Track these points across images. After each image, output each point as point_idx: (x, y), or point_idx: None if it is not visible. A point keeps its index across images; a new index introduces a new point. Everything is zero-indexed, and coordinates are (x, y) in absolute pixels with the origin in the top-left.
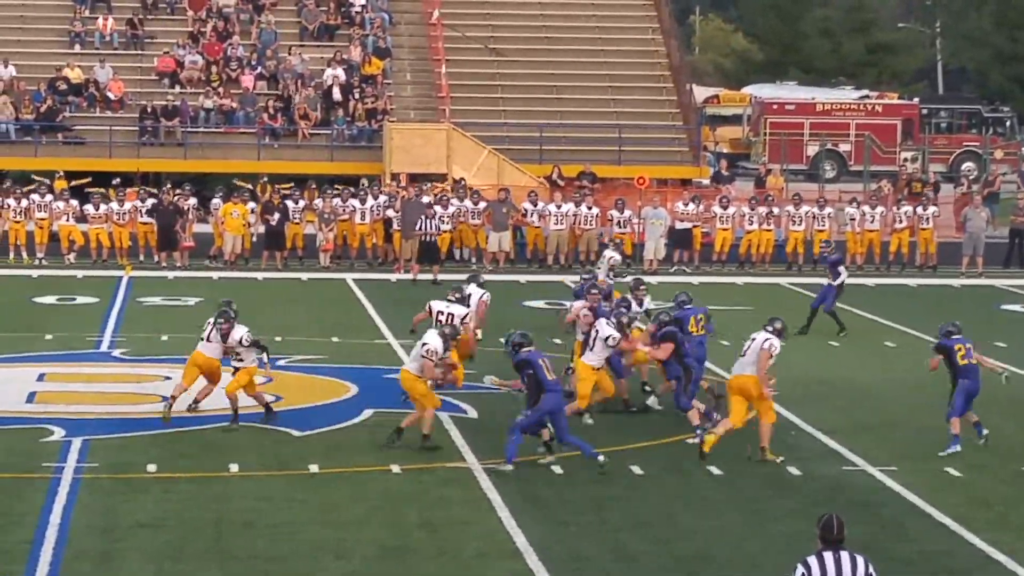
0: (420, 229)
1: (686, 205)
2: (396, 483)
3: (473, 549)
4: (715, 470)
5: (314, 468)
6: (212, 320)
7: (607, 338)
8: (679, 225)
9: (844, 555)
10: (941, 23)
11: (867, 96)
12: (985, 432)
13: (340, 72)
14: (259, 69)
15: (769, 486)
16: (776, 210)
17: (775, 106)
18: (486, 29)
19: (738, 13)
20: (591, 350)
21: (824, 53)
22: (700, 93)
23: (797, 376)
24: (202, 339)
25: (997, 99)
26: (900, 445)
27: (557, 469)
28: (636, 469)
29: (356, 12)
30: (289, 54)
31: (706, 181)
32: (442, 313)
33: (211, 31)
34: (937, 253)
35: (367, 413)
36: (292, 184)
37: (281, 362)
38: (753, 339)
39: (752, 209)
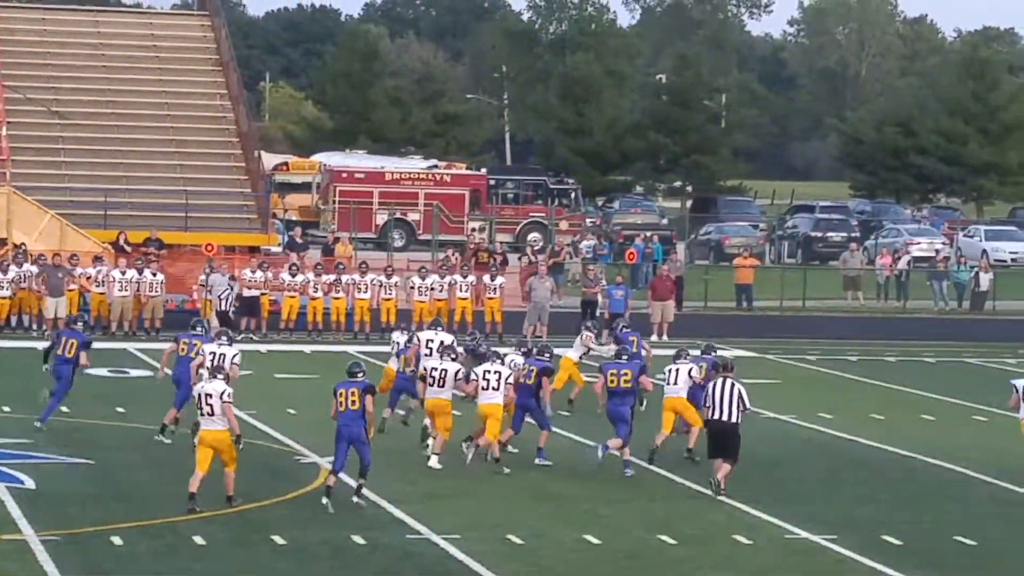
0: None
1: (253, 272)
2: None
3: None
4: (279, 539)
5: None
6: None
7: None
8: (246, 292)
9: None
10: (508, 95)
11: (436, 166)
12: None
13: None
14: None
15: (336, 556)
16: (344, 278)
17: (344, 174)
18: (49, 92)
19: (308, 81)
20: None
21: (393, 122)
22: (269, 160)
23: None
24: None
25: (562, 171)
26: (465, 513)
27: (117, 540)
28: (199, 539)
29: None
30: None
31: (275, 248)
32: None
33: None
34: (503, 322)
35: None
36: None
37: None
38: (678, 369)
39: (318, 276)
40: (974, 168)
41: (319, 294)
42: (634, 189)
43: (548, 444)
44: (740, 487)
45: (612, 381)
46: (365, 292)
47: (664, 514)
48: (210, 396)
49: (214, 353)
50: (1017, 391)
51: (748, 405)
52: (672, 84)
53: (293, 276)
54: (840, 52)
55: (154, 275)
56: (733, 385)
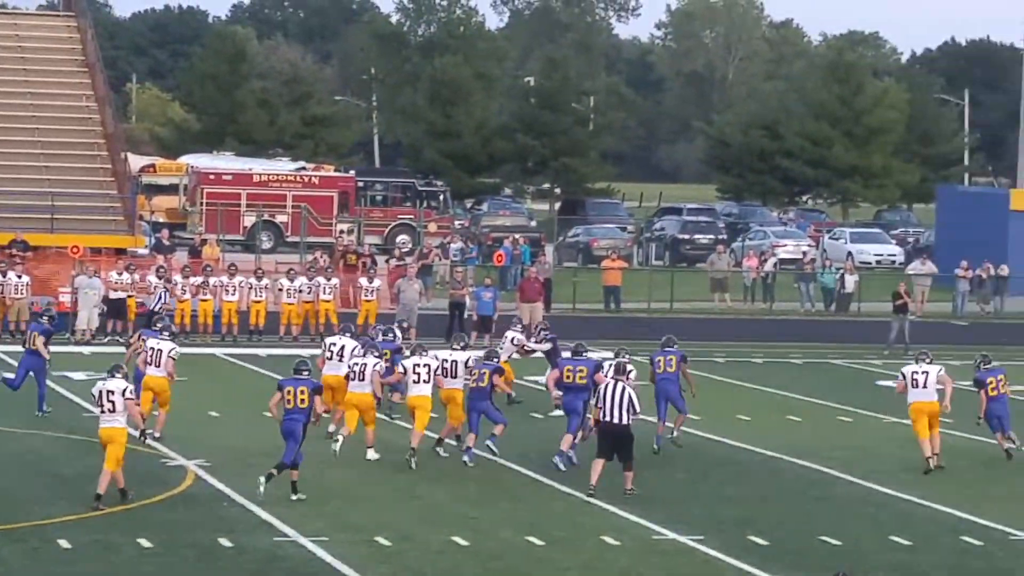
0: None
1: (120, 275)
2: None
3: None
4: (146, 543)
5: None
6: None
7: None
8: (112, 295)
9: None
10: (377, 97)
11: (304, 168)
12: None
13: None
14: None
15: (201, 559)
16: (212, 280)
17: (212, 176)
18: None
19: (175, 82)
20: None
21: (261, 124)
22: (136, 162)
23: (233, 447)
24: None
25: (431, 173)
26: (333, 516)
27: None
28: (64, 543)
29: None
30: None
31: (142, 250)
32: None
33: None
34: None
35: None
36: None
37: None
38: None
39: (185, 279)
40: (839, 171)
41: (187, 296)
42: (502, 191)
43: (418, 447)
44: (607, 489)
45: (568, 377)
46: (233, 294)
47: (532, 516)
48: (111, 393)
49: (152, 348)
50: (903, 376)
51: (638, 409)
52: (540, 87)
53: (160, 278)
54: (707, 55)
55: (19, 277)
56: (624, 388)
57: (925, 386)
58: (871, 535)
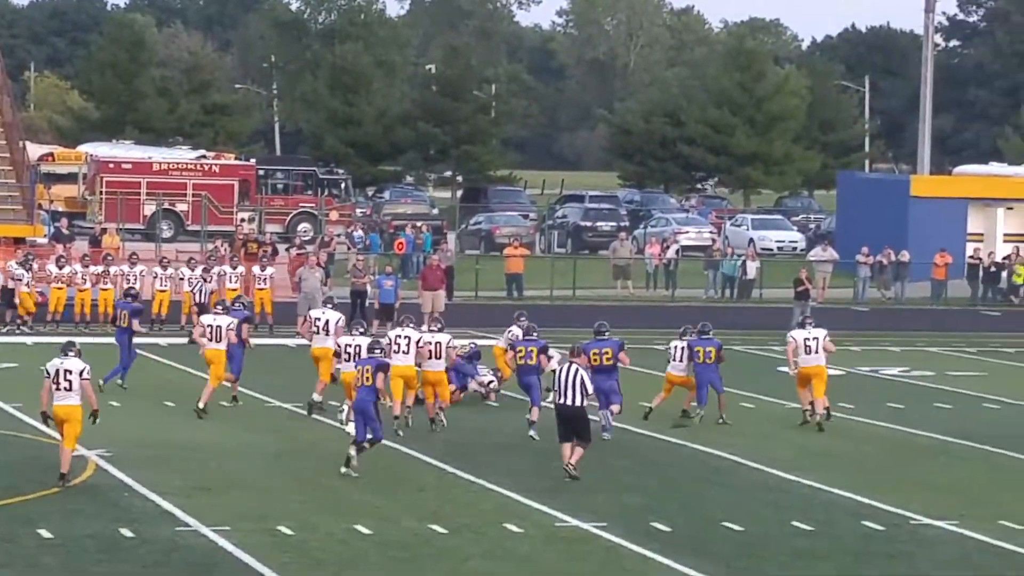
0: None
1: (19, 265)
2: None
3: None
4: (45, 533)
5: None
6: None
7: None
8: (10, 284)
9: None
10: (278, 85)
11: (204, 156)
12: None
13: None
14: None
15: (102, 550)
16: (112, 269)
17: (111, 165)
18: None
19: (74, 70)
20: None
21: (161, 113)
22: (34, 150)
23: (132, 438)
24: None
25: (332, 161)
26: (235, 505)
27: None
28: None
29: None
30: None
31: (41, 240)
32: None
33: None
34: (273, 313)
35: None
36: None
37: None
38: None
39: (85, 268)
40: (741, 158)
41: (87, 285)
42: (404, 179)
43: (319, 437)
44: (508, 475)
45: (595, 360)
46: (135, 283)
47: (435, 504)
48: (69, 372)
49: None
50: (794, 341)
51: (590, 391)
52: (441, 74)
53: (60, 268)
54: (608, 43)
55: None
56: (577, 370)
57: (817, 351)
58: (773, 521)
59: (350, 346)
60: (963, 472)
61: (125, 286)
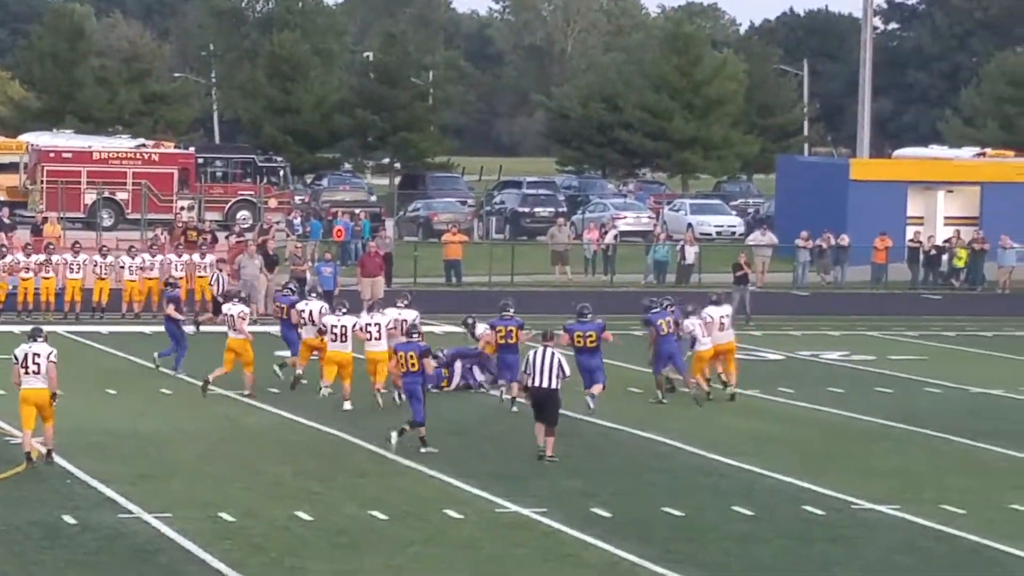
0: None
1: None
2: None
3: None
4: None
5: None
6: None
7: None
8: None
9: None
10: (216, 74)
11: (144, 145)
12: None
13: None
14: None
15: (46, 537)
16: (55, 258)
17: (52, 154)
18: None
19: (15, 60)
20: None
21: (101, 102)
22: None
23: (76, 426)
24: None
25: (271, 149)
26: (177, 492)
27: None
28: None
29: None
30: None
31: None
32: None
33: None
34: (213, 300)
35: None
36: None
37: None
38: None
39: (27, 257)
40: (679, 143)
41: (29, 274)
42: (342, 166)
43: (260, 424)
44: (448, 461)
45: (579, 342)
46: (78, 272)
47: (375, 490)
48: (38, 355)
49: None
50: (710, 318)
51: (567, 372)
52: (379, 62)
53: (2, 257)
54: (546, 29)
55: None
56: (553, 354)
57: (728, 328)
58: (713, 506)
59: (336, 326)
60: (904, 456)
61: (49, 276)
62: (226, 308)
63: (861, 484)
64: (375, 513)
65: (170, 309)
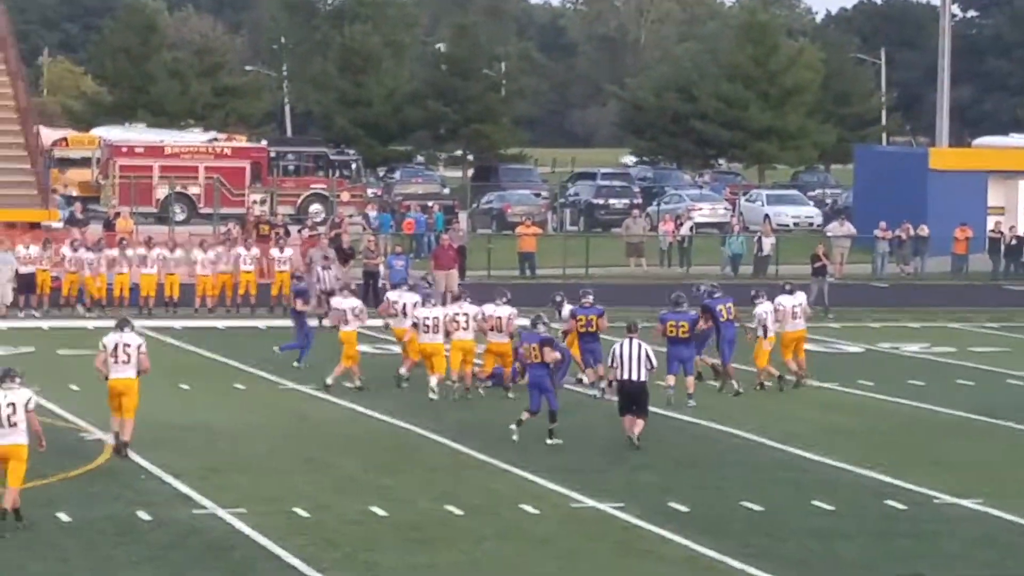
0: None
1: (27, 248)
2: None
3: None
4: (64, 517)
5: None
6: None
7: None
8: (23, 269)
9: None
10: (288, 67)
11: (216, 139)
12: None
13: None
14: None
15: (119, 533)
16: (128, 252)
17: (124, 149)
18: None
19: (87, 55)
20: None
21: (173, 96)
22: (48, 135)
23: (150, 419)
24: None
25: (343, 142)
26: (250, 488)
27: None
28: None
29: None
30: None
31: (56, 224)
32: None
33: None
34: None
35: None
36: None
37: None
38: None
39: (100, 252)
40: (755, 133)
41: (102, 269)
42: (415, 159)
43: (329, 418)
44: (522, 456)
45: (671, 331)
46: (151, 267)
47: (449, 484)
48: (128, 345)
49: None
50: (783, 307)
51: (655, 363)
52: (451, 53)
53: (75, 251)
54: (619, 18)
55: None
56: (640, 345)
57: (800, 318)
58: (792, 501)
59: (428, 318)
60: (986, 450)
61: (123, 271)
62: (335, 302)
63: (942, 478)
64: (449, 507)
65: (297, 303)
